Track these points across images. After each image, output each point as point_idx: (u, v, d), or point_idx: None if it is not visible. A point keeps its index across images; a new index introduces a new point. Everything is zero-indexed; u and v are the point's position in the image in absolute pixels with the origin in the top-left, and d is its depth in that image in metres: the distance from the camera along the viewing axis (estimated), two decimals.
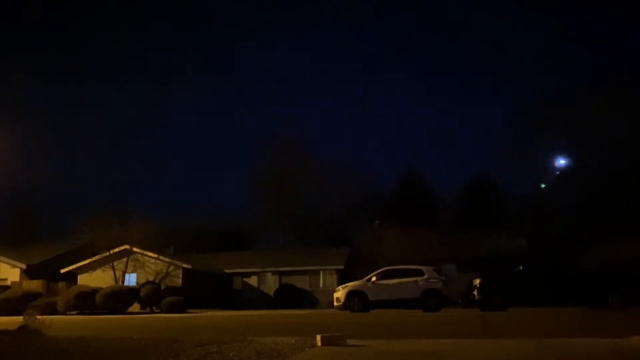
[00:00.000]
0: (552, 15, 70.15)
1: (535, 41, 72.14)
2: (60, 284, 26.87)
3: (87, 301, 23.19)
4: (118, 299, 23.56)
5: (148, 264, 28.20)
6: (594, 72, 57.00)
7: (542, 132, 34.04)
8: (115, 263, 27.55)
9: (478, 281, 17.66)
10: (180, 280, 27.76)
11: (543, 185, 32.30)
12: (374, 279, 18.81)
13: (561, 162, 32.10)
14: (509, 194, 39.59)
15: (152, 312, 23.97)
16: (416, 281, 18.52)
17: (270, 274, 31.74)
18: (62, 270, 28.13)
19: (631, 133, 30.73)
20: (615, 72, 34.66)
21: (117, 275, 27.29)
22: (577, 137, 32.73)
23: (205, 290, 28.72)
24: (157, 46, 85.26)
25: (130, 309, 24.29)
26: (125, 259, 27.67)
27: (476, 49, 77.09)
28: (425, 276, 18.64)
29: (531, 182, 34.88)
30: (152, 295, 24.55)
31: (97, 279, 26.56)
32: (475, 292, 17.51)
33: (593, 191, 31.37)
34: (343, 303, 18.57)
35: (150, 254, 28.17)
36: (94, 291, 23.65)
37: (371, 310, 18.08)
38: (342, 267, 30.57)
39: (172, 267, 28.21)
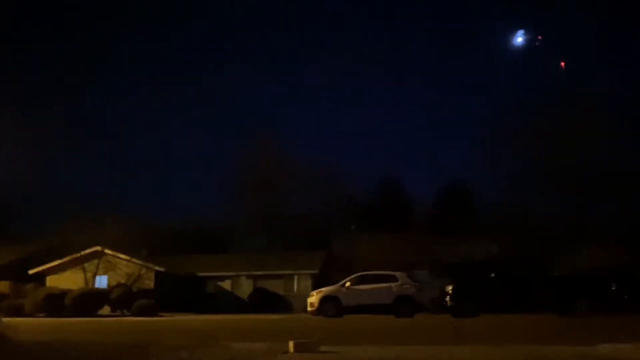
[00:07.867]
0: (533, 19, 71.50)
1: (514, 47, 73.25)
2: (28, 286, 26.23)
3: (56, 303, 22.77)
4: (88, 302, 23.21)
5: (120, 266, 27.73)
6: (570, 81, 58.14)
7: (514, 140, 34.72)
8: (86, 265, 27.03)
9: (450, 287, 17.87)
10: (153, 283, 27.41)
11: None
12: (348, 284, 18.84)
13: (519, 39, 32.60)
14: (483, 200, 40.08)
15: (123, 315, 23.62)
16: (389, 287, 18.63)
17: (244, 277, 31.51)
18: (30, 272, 27.47)
19: (601, 143, 31.57)
20: (587, 82, 35.34)
21: (87, 277, 26.77)
22: (547, 146, 33.41)
23: (177, 293, 28.35)
24: (137, 48, 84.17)
25: (101, 312, 23.92)
26: (96, 261, 27.16)
27: (454, 53, 77.95)
28: (399, 282, 18.77)
29: (505, 190, 35.35)
30: (123, 298, 24.22)
31: (66, 281, 26.01)
32: (447, 299, 17.71)
33: (563, 201, 32.12)
34: (317, 308, 18.55)
35: (122, 255, 27.74)
36: (63, 293, 23.25)
37: (345, 316, 18.11)
38: (317, 271, 30.49)
39: (144, 270, 27.82)
